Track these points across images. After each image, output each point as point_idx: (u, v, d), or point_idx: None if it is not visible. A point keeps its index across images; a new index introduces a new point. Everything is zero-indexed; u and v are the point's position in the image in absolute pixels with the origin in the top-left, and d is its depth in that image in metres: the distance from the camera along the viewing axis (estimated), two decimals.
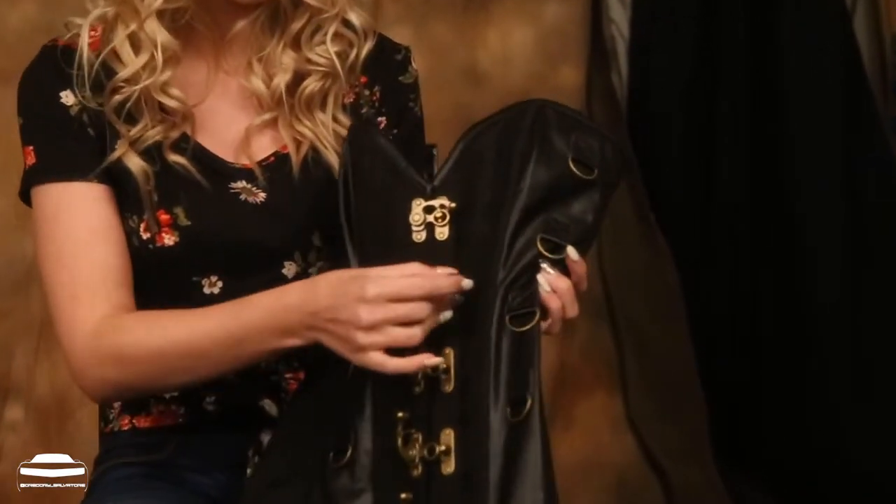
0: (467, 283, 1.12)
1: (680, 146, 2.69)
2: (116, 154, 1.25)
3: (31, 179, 1.26)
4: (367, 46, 1.30)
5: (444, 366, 1.12)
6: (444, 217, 1.17)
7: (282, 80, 1.28)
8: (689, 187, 2.67)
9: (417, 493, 1.10)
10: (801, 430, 2.60)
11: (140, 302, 1.27)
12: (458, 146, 1.22)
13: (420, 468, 1.10)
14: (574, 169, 1.19)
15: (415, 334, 1.11)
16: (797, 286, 2.61)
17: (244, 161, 1.29)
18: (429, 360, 1.11)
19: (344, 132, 1.28)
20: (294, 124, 1.28)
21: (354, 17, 1.30)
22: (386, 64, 1.34)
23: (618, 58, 2.68)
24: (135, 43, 1.24)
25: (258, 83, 1.28)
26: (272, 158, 1.29)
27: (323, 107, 1.29)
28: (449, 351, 1.13)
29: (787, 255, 2.62)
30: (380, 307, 1.11)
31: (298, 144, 1.28)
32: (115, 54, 1.25)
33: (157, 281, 1.28)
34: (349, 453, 1.13)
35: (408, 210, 1.18)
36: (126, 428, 1.32)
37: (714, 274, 2.70)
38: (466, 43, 2.39)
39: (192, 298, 1.26)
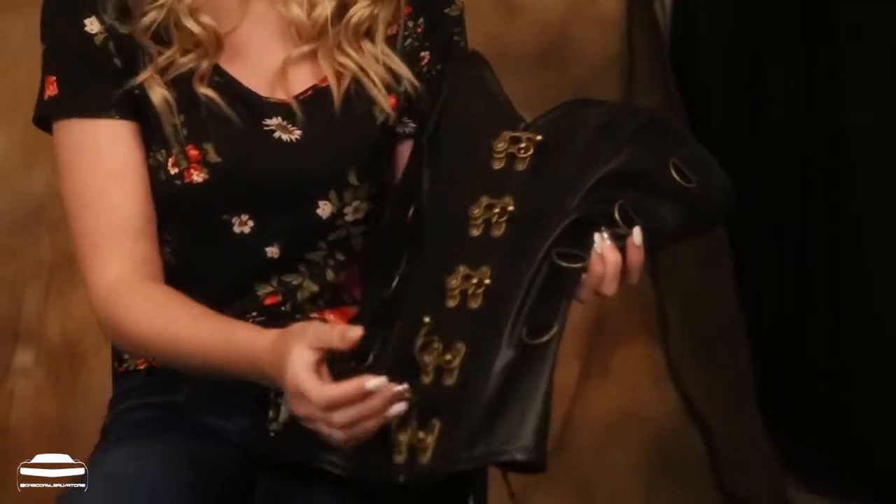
0: (396, 409, 1.14)
1: (726, 79, 2.72)
2: (140, 78, 1.26)
3: (52, 111, 1.28)
4: None
5: (477, 281, 1.17)
6: (527, 149, 1.22)
7: (325, 8, 1.28)
8: (735, 123, 2.70)
9: (422, 399, 1.14)
10: (859, 384, 2.63)
11: (168, 239, 1.30)
12: (568, 104, 1.27)
13: (431, 376, 1.15)
14: (672, 172, 1.22)
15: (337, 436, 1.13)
16: (849, 220, 2.65)
17: (280, 95, 1.29)
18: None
19: (392, 64, 1.30)
20: (336, 55, 1.28)
21: None
22: None
23: None
24: None
25: (298, 12, 1.28)
26: (310, 92, 1.29)
27: (371, 36, 1.29)
28: (486, 269, 1.17)
29: (838, 185, 2.65)
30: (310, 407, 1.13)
31: (340, 77, 1.29)
32: None
33: (185, 218, 1.29)
34: (370, 358, 1.17)
35: (494, 138, 1.23)
36: (142, 367, 1.33)
37: (761, 213, 2.71)
38: None
39: (222, 237, 1.28)
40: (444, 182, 1.24)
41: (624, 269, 1.21)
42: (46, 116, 1.29)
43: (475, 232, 1.20)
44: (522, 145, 1.22)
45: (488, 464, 1.15)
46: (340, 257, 1.32)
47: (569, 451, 2.44)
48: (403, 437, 1.13)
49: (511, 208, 1.20)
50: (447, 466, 1.12)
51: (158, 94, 1.26)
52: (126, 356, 1.35)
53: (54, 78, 1.28)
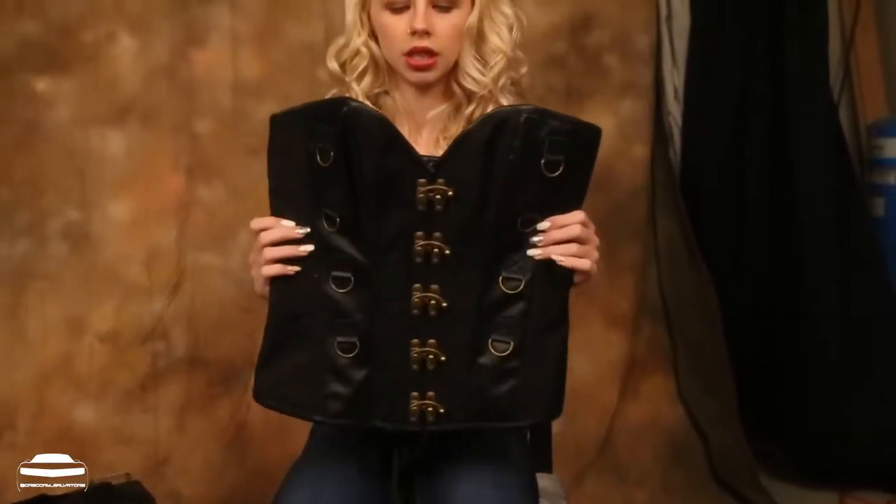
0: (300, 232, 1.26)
1: (719, 202, 2.95)
2: None
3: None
4: None
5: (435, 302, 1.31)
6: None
7: (458, 129, 1.43)
8: (726, 229, 2.93)
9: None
10: (808, 405, 2.87)
11: None
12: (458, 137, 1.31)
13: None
14: (545, 172, 1.27)
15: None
16: (802, 306, 2.88)
17: None
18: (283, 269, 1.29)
19: None
20: None
21: (504, 101, 1.49)
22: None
23: (674, 139, 2.95)
24: None
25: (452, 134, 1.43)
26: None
27: None
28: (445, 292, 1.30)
29: (796, 282, 2.89)
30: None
31: None
32: None
33: None
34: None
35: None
36: None
37: (742, 293, 2.95)
38: None
39: None
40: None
41: (563, 237, 1.28)
42: None
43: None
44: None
45: (518, 425, 1.28)
46: None
47: (611, 448, 2.71)
48: (416, 404, 1.26)
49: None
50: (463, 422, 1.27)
51: None
52: None
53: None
